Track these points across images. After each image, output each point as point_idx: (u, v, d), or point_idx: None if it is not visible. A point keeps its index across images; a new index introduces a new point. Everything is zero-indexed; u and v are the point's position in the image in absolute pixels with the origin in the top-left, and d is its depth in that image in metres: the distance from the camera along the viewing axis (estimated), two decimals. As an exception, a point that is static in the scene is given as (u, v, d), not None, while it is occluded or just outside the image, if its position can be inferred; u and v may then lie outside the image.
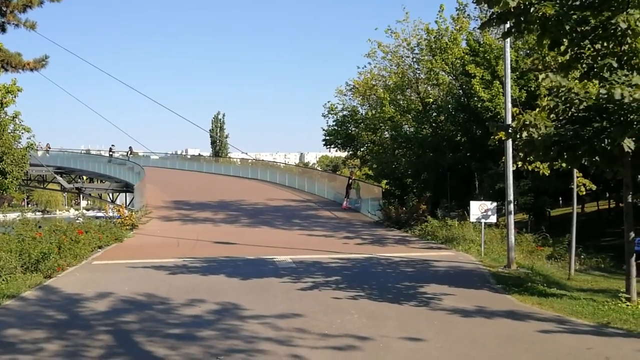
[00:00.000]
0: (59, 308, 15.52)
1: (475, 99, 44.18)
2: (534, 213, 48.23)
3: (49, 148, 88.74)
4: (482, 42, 47.17)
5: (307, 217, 41.41)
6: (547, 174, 21.82)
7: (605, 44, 15.53)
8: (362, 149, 64.20)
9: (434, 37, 51.74)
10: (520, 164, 20.04)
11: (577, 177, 24.86)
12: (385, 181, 56.96)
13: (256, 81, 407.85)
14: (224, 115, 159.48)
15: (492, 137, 19.52)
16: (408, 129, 55.87)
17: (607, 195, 60.14)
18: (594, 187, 26.97)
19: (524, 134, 15.47)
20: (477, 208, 25.70)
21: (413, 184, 56.85)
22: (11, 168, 32.78)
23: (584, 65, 16.36)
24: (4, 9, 31.68)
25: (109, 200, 77.77)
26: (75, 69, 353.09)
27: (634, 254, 16.69)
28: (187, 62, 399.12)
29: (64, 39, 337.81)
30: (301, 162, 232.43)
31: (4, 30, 32.43)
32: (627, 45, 15.24)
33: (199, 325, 13.46)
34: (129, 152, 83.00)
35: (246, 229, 35.16)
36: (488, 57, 45.01)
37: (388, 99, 56.33)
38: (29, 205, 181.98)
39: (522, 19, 15.63)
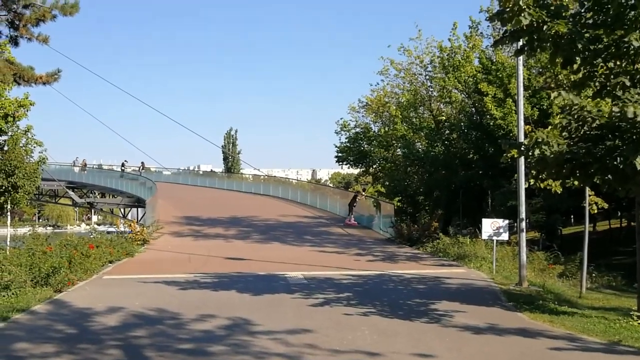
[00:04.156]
0: (68, 322, 15.51)
1: (488, 117, 44.27)
2: (545, 231, 48.13)
3: (86, 164, 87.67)
4: (494, 61, 47.28)
5: (318, 233, 41.41)
6: (559, 192, 21.75)
7: (618, 63, 15.52)
8: (374, 166, 64.24)
9: (447, 55, 51.82)
10: (532, 181, 19.98)
11: (589, 195, 24.81)
12: (397, 198, 56.88)
13: (269, 98, 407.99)
14: (236, 131, 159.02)
15: (504, 154, 19.46)
16: (420, 146, 55.94)
17: (619, 213, 59.98)
18: (605, 206, 26.87)
19: (536, 151, 15.44)
20: (489, 225, 25.65)
21: (425, 201, 56.88)
22: (23, 182, 32.74)
23: (596, 84, 16.32)
24: (17, 22, 31.85)
25: (120, 215, 77.83)
26: (88, 83, 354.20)
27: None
28: (199, 78, 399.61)
29: (76, 54, 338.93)
30: (313, 178, 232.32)
31: (16, 44, 32.60)
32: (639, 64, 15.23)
33: (210, 341, 13.43)
34: (141, 167, 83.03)
35: (258, 245, 35.18)
36: (500, 76, 45.06)
37: (400, 116, 56.43)
38: (40, 220, 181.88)
39: (535, 37, 15.61)
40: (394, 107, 59.01)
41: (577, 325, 15.86)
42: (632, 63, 15.30)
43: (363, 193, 50.43)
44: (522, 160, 22.33)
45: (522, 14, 14.98)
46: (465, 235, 34.35)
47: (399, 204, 55.40)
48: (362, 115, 65.15)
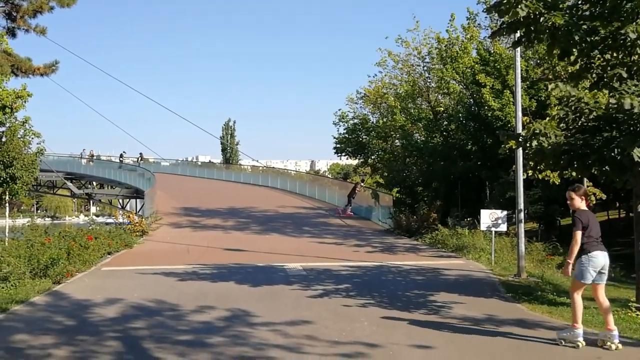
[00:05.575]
0: (67, 314, 15.53)
1: (486, 108, 44.27)
2: (544, 222, 48.17)
3: (93, 155, 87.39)
4: (492, 52, 47.29)
5: (317, 224, 41.46)
6: (558, 183, 21.80)
7: (614, 54, 15.52)
8: (373, 157, 64.26)
9: (445, 46, 51.79)
10: (530, 172, 20.02)
11: (587, 186, 24.82)
12: (396, 189, 56.90)
13: (267, 89, 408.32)
14: (234, 122, 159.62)
15: (502, 145, 19.54)
16: (419, 137, 55.97)
17: (617, 204, 60.05)
18: (604, 197, 26.95)
19: (534, 142, 15.44)
20: (488, 216, 25.62)
21: (424, 192, 56.87)
22: (21, 173, 32.87)
23: (593, 75, 16.32)
24: (15, 14, 31.86)
25: (119, 206, 77.84)
26: (86, 75, 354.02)
27: None
28: (198, 70, 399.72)
29: (75, 46, 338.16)
30: (312, 169, 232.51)
31: (14, 35, 32.63)
32: (636, 56, 15.21)
33: (209, 332, 13.45)
34: (140, 158, 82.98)
35: (256, 236, 35.20)
36: (498, 67, 45.07)
37: (399, 107, 56.48)
38: (39, 211, 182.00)
39: (532, 28, 15.61)
40: (392, 98, 59.02)
41: (575, 316, 15.88)
42: (628, 55, 15.31)
43: (362, 184, 50.49)
44: (520, 151, 22.30)
45: (519, 6, 14.98)
46: (464, 226, 34.37)
47: (397, 194, 55.42)
48: (360, 107, 65.35)
